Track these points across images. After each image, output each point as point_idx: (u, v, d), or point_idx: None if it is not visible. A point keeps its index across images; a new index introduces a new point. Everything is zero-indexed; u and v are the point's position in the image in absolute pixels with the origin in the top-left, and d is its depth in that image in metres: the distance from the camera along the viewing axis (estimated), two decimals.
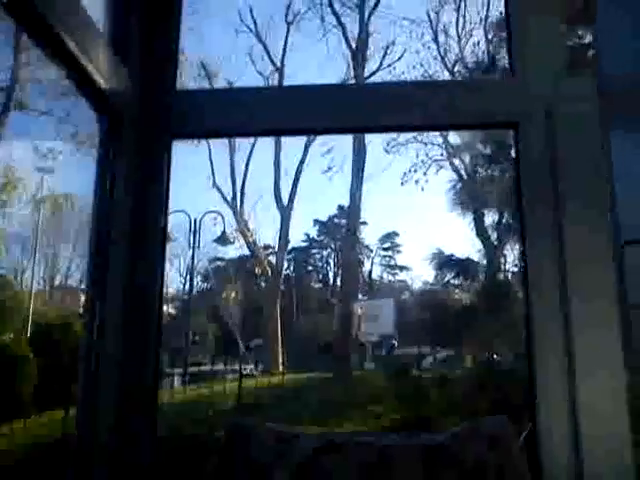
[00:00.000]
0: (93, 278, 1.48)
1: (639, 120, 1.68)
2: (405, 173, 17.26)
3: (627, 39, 1.78)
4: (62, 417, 10.99)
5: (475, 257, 15.12)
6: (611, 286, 1.40)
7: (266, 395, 12.00)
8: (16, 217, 15.75)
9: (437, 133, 16.73)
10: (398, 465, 1.33)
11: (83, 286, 23.66)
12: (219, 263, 27.49)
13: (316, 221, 32.28)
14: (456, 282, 17.95)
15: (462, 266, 14.58)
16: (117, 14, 1.62)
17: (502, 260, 14.90)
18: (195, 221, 16.98)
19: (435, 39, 17.64)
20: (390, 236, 32.49)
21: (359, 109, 1.66)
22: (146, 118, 1.59)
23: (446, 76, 17.45)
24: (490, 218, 15.56)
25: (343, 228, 28.25)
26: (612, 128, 1.65)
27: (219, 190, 19.45)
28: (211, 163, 19.47)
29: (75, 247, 22.38)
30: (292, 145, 20.02)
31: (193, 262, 18.80)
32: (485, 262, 15.01)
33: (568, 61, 1.60)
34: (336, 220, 31.18)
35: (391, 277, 33.76)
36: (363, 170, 17.14)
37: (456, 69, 17.40)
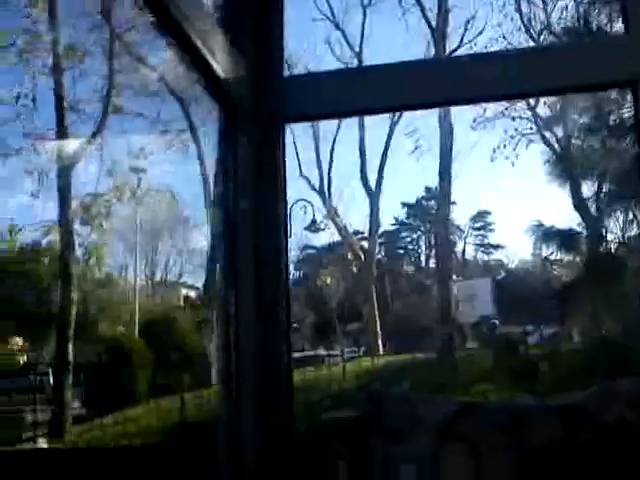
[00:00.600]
0: (225, 268, 1.55)
1: None
2: (494, 149, 16.80)
3: None
4: (180, 404, 11.57)
5: (576, 229, 14.51)
6: None
7: (371, 378, 12.09)
8: (118, 216, 16.55)
9: (525, 106, 16.14)
10: (536, 425, 1.33)
11: (182, 280, 24.63)
12: (311, 251, 27.85)
13: (404, 204, 32.00)
14: (556, 257, 17.33)
15: (564, 238, 14.02)
16: (226, 3, 1.68)
17: (604, 231, 14.22)
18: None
19: (518, 8, 16.94)
20: (482, 215, 31.77)
21: (453, 81, 1.65)
22: (258, 104, 1.65)
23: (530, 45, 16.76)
24: (588, 191, 14.87)
25: (432, 209, 27.87)
26: None
27: (306, 179, 19.67)
28: (296, 153, 19.70)
29: (173, 242, 23.23)
30: (376, 128, 19.93)
31: (287, 251, 19.10)
32: (586, 234, 14.37)
33: None
34: (424, 202, 30.80)
35: (485, 256, 33.06)
36: (451, 149, 16.82)
37: (542, 38, 16.65)
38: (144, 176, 15.73)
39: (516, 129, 16.42)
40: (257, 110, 1.63)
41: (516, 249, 41.27)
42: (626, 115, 11.75)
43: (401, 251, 33.62)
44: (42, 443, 11.62)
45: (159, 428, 10.96)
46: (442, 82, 1.65)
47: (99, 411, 12.40)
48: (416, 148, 18.05)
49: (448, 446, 1.36)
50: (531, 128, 16.54)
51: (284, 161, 1.68)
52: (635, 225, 13.34)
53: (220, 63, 1.46)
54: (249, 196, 1.59)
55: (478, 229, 32.65)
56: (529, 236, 15.30)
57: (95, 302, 18.09)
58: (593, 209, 14.56)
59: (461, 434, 1.30)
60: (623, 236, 13.94)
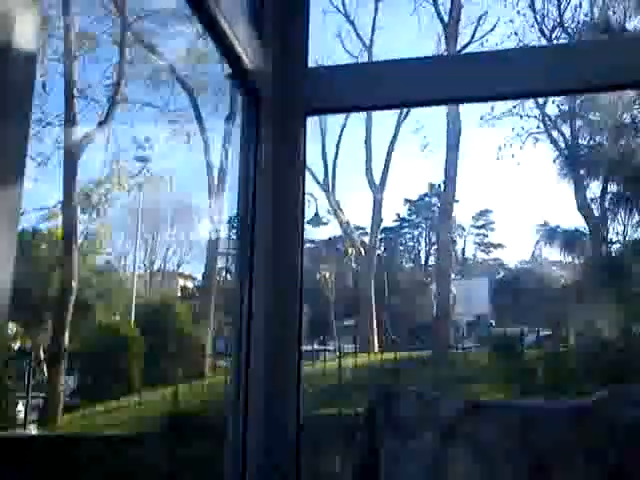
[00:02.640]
0: (240, 257, 1.55)
1: None
2: (500, 147, 16.77)
3: None
4: (173, 395, 11.59)
5: (582, 229, 14.50)
6: None
7: (365, 375, 12.11)
8: (119, 204, 16.56)
9: (533, 105, 16.11)
10: (547, 425, 1.32)
11: (180, 270, 24.65)
12: (312, 245, 27.84)
13: (407, 200, 31.95)
14: (556, 259, 17.33)
15: (569, 238, 14.01)
16: None
17: (607, 233, 14.21)
18: None
19: (531, 5, 16.87)
20: (483, 213, 31.74)
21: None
22: (282, 96, 1.64)
23: (543, 44, 16.71)
24: (593, 192, 14.85)
25: (434, 206, 27.85)
26: None
27: (310, 172, 19.62)
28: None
29: (172, 232, 23.23)
30: (383, 123, 19.90)
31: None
32: (589, 236, 14.36)
33: None
34: (427, 199, 30.78)
35: (485, 255, 33.05)
36: (458, 146, 16.79)
37: (555, 35, 16.61)
38: (149, 165, 15.75)
39: (523, 127, 16.42)
40: (281, 101, 1.63)
41: (516, 249, 41.31)
42: (636, 113, 11.72)
43: (401, 248, 33.62)
44: (33, 429, 11.66)
45: (152, 417, 10.98)
46: (456, 79, 1.65)
47: (92, 399, 12.42)
48: (425, 145, 18.03)
49: (456, 445, 1.35)
50: (539, 127, 16.52)
51: (305, 153, 1.68)
52: None
53: (247, 53, 1.46)
54: (270, 186, 1.58)
55: (479, 227, 32.64)
56: (533, 234, 15.31)
57: (93, 289, 18.10)
58: (597, 210, 14.55)
59: (470, 433, 1.30)
60: (626, 238, 13.94)
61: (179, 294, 23.13)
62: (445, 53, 17.60)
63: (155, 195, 17.48)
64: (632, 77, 1.57)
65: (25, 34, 0.72)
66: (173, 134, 15.52)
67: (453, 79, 1.69)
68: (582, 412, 1.33)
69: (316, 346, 18.96)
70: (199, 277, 21.03)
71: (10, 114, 0.70)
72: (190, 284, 24.21)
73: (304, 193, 1.67)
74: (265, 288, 1.54)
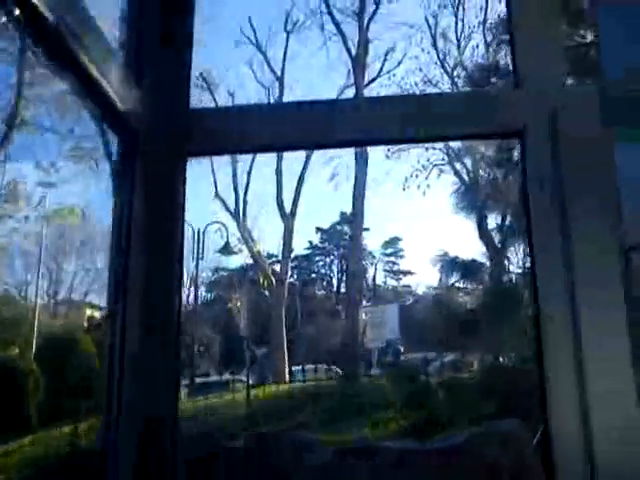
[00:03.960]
0: (112, 296, 1.52)
1: None
2: (407, 178, 17.33)
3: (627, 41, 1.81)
4: (71, 432, 11.03)
5: (480, 259, 15.15)
6: (618, 291, 1.43)
7: (274, 404, 12.01)
8: (19, 231, 15.82)
9: None
10: (416, 467, 1.36)
11: (87, 299, 23.72)
12: (223, 273, 27.52)
13: (318, 229, 32.30)
14: (461, 285, 17.95)
15: (467, 268, 14.58)
16: (130, 34, 1.67)
17: (506, 262, 14.91)
18: (198, 231, 17.04)
19: (434, 44, 17.76)
20: (393, 241, 32.50)
21: (361, 122, 1.70)
22: (161, 137, 1.63)
23: (446, 80, 17.53)
24: (493, 221, 15.59)
25: (346, 235, 28.32)
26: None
27: (222, 200, 19.53)
28: (213, 173, 19.56)
29: (79, 261, 22.42)
30: (293, 154, 20.10)
31: (197, 272, 18.84)
32: (489, 265, 15.01)
33: (571, 66, 1.64)
34: (339, 227, 31.22)
35: (395, 282, 33.75)
36: (365, 177, 17.22)
37: (456, 73, 17.51)
38: (51, 192, 15.15)
39: (428, 159, 17.07)
40: (160, 144, 1.62)
41: (425, 276, 42.44)
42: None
43: (314, 275, 33.81)
44: None
45: (45, 458, 10.38)
46: (337, 123, 1.70)
47: None
48: (333, 176, 18.38)
49: None
50: (443, 159, 17.23)
51: (184, 194, 1.67)
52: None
53: (120, 96, 1.44)
54: (143, 227, 1.56)
55: (389, 255, 33.35)
56: (433, 265, 15.85)
57: None
58: (497, 240, 15.25)
59: (341, 473, 1.33)
60: (523, 267, 14.64)
61: (86, 325, 22.22)
62: (353, 87, 18.11)
63: (59, 222, 16.84)
64: (500, 128, 1.68)
65: None
66: (78, 160, 15.04)
67: (338, 122, 1.74)
68: (452, 452, 1.38)
69: (228, 376, 18.67)
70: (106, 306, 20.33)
71: None
72: (98, 314, 23.31)
73: (183, 235, 1.66)
74: (135, 327, 1.52)
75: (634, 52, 1.75)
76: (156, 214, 1.59)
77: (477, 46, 16.84)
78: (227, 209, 19.38)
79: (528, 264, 13.56)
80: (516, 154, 12.72)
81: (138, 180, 1.56)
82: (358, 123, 1.70)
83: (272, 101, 19.14)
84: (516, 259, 14.78)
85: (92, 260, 21.58)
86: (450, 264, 15.13)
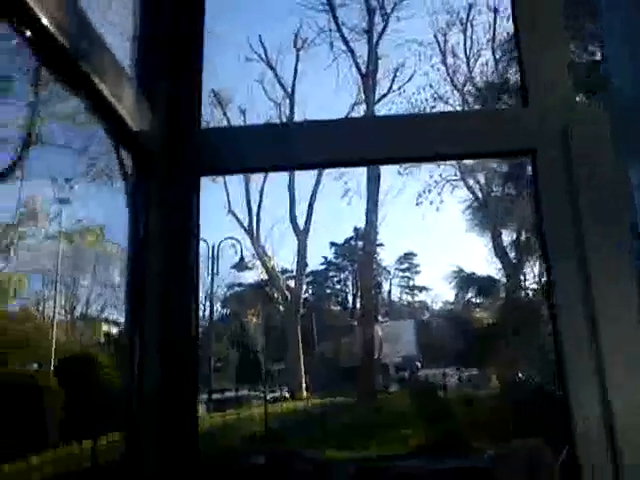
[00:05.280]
0: (130, 316, 1.53)
1: None
2: (420, 194, 17.34)
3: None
4: (91, 448, 11.06)
5: (496, 275, 15.05)
6: (635, 303, 1.42)
7: (292, 420, 11.96)
8: (37, 248, 16.01)
9: None
10: None
11: (104, 315, 23.89)
12: (238, 289, 27.59)
13: (333, 244, 32.33)
14: (477, 301, 17.86)
15: (483, 284, 14.50)
16: (142, 53, 1.69)
17: (522, 278, 14.80)
18: (213, 247, 17.11)
19: (444, 61, 17.83)
20: (407, 257, 32.45)
21: (374, 142, 1.71)
22: (174, 157, 1.65)
23: (456, 96, 17.55)
24: (508, 237, 15.51)
25: (360, 250, 28.30)
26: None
27: (235, 217, 19.65)
28: (226, 190, 19.70)
29: (94, 277, 22.61)
30: (306, 171, 20.17)
31: (212, 289, 18.90)
32: (505, 281, 14.91)
33: (582, 83, 1.64)
34: (353, 242, 31.25)
35: (410, 298, 33.63)
36: (378, 192, 17.23)
37: (465, 89, 17.52)
38: (67, 208, 15.34)
39: (440, 175, 17.05)
40: (172, 163, 1.64)
41: (441, 291, 42.25)
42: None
43: (328, 291, 33.78)
44: None
45: (66, 475, 10.42)
46: (349, 142, 1.71)
47: (2, 458, 11.70)
48: (346, 192, 18.42)
49: None
50: (455, 174, 17.20)
51: (198, 214, 1.69)
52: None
53: (132, 115, 1.46)
54: (159, 245, 1.58)
55: (404, 270, 33.27)
56: (448, 282, 15.79)
57: (7, 337, 17.24)
58: (513, 256, 15.15)
59: None
60: (539, 283, 14.52)
61: (103, 340, 22.37)
62: (363, 103, 18.19)
63: (76, 238, 17.01)
64: (511, 146, 1.68)
65: None
66: (94, 177, 15.21)
67: (346, 141, 1.75)
68: (468, 475, 1.37)
69: (245, 391, 18.64)
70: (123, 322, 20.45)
71: None
72: (115, 330, 23.47)
73: (198, 252, 1.67)
74: (153, 345, 1.53)
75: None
76: (171, 232, 1.61)
77: (486, 63, 16.89)
78: (241, 225, 19.49)
79: (545, 279, 13.48)
80: (529, 169, 12.67)
81: (152, 198, 1.58)
82: (369, 142, 1.71)
83: (283, 117, 19.23)
84: (532, 275, 14.68)
85: (107, 276, 21.77)
86: (465, 280, 15.06)
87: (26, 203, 14.65)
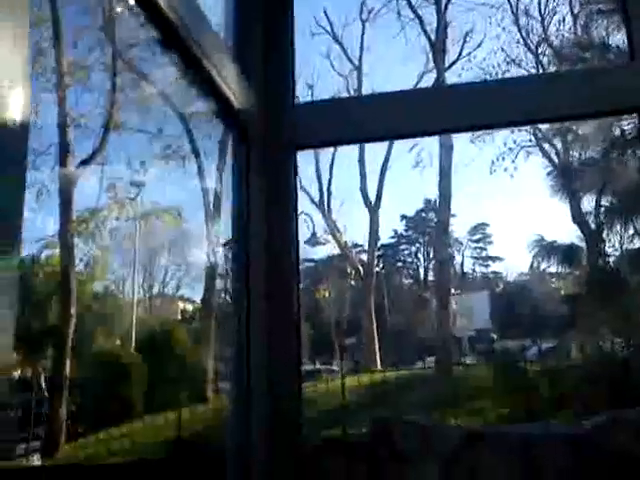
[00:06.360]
0: (235, 285, 1.58)
1: None
2: (493, 162, 16.89)
3: None
4: (177, 419, 11.53)
5: (578, 243, 14.53)
6: None
7: (369, 393, 12.06)
8: (117, 230, 16.62)
9: None
10: (542, 454, 1.34)
11: (180, 294, 24.66)
12: (310, 264, 27.86)
13: (403, 216, 32.02)
14: (555, 270, 17.35)
15: (566, 253, 14.05)
16: (239, 32, 1.72)
17: (603, 245, 14.24)
18: None
19: (516, 21, 17.13)
20: (481, 227, 31.82)
21: (448, 110, 1.68)
22: (271, 132, 1.68)
23: (529, 59, 16.90)
24: (589, 203, 14.90)
25: (431, 222, 27.92)
26: None
27: (306, 192, 19.73)
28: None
29: (170, 256, 23.30)
30: (376, 142, 20.01)
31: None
32: (586, 248, 14.39)
33: None
34: (423, 214, 30.86)
35: (484, 269, 33.05)
36: (451, 162, 16.90)
37: (540, 50, 16.84)
38: (144, 190, 15.83)
39: (515, 141, 16.54)
40: (269, 138, 1.66)
41: (515, 262, 41.33)
42: (626, 127, 11.79)
43: (400, 264, 33.62)
44: (36, 460, 11.56)
45: (155, 444, 10.92)
46: (444, 110, 1.69)
47: (94, 427, 12.35)
48: (417, 163, 18.17)
49: (456, 474, 1.37)
50: (530, 140, 16.63)
51: (296, 185, 1.71)
52: (637, 239, 13.29)
53: (234, 92, 1.49)
54: (262, 222, 1.61)
55: (477, 241, 32.67)
56: (529, 251, 15.37)
57: (93, 316, 18.07)
58: (593, 223, 14.59)
59: (468, 462, 1.32)
60: (622, 250, 13.96)
61: (179, 318, 23.12)
62: (434, 71, 17.79)
63: (153, 220, 17.55)
64: (617, 105, 1.61)
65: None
66: (167, 159, 15.61)
67: (438, 110, 1.73)
68: (579, 439, 1.35)
69: (318, 365, 18.91)
70: (199, 300, 21.06)
71: (8, 146, 0.71)
72: (190, 307, 24.20)
73: (297, 224, 1.70)
74: (261, 312, 1.57)
75: None
76: (271, 203, 1.64)
77: (563, 20, 16.09)
78: (312, 200, 19.57)
79: (631, 246, 12.94)
80: (617, 131, 12.11)
81: (253, 170, 1.61)
82: (444, 111, 1.69)
83: (352, 91, 19.07)
84: (615, 241, 14.09)
85: (183, 256, 22.40)
86: (547, 249, 14.62)
87: (109, 187, 15.22)
